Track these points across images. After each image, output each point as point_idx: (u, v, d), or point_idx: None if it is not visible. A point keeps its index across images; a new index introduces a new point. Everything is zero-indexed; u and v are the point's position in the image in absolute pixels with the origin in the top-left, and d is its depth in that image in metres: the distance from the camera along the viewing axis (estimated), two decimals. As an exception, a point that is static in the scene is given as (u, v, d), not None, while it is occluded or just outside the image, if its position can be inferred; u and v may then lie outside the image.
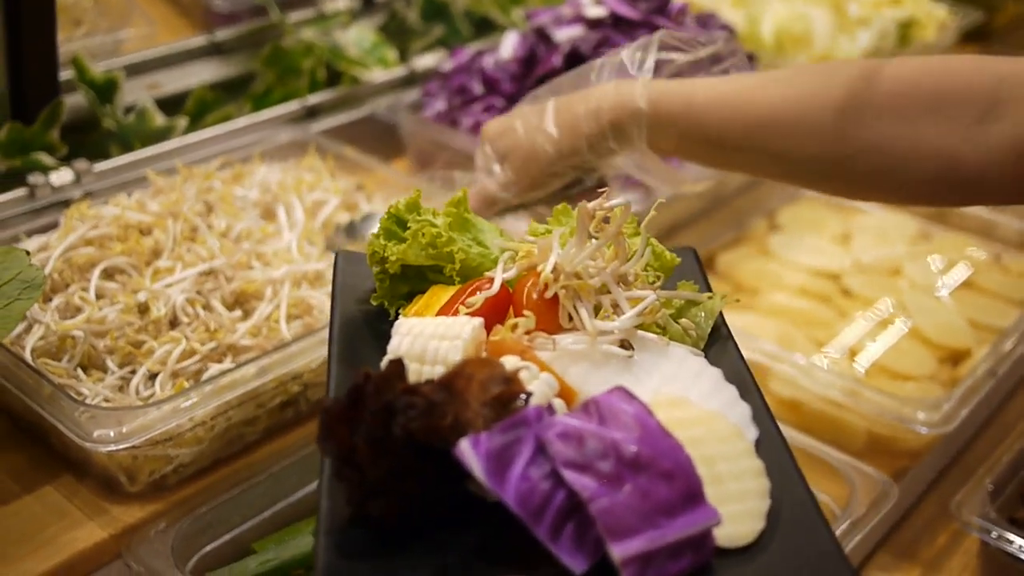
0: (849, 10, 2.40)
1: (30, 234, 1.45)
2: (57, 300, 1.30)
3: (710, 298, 1.01)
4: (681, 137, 1.17)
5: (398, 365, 0.77)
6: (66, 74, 1.67)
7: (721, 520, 0.76)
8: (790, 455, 0.86)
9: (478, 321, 0.90)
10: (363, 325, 1.01)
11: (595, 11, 1.87)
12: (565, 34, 1.86)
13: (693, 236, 1.75)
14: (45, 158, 1.54)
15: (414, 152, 1.92)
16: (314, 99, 1.89)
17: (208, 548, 1.18)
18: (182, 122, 1.75)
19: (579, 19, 1.88)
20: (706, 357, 0.95)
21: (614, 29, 1.86)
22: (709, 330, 0.99)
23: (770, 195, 1.95)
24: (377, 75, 1.99)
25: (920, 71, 1.08)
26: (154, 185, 1.52)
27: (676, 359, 0.92)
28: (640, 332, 0.92)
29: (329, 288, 1.37)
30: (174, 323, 1.31)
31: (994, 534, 1.23)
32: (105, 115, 1.71)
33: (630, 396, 0.80)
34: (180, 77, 1.92)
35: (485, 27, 2.22)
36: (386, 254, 1.01)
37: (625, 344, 0.91)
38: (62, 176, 1.52)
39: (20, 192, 1.49)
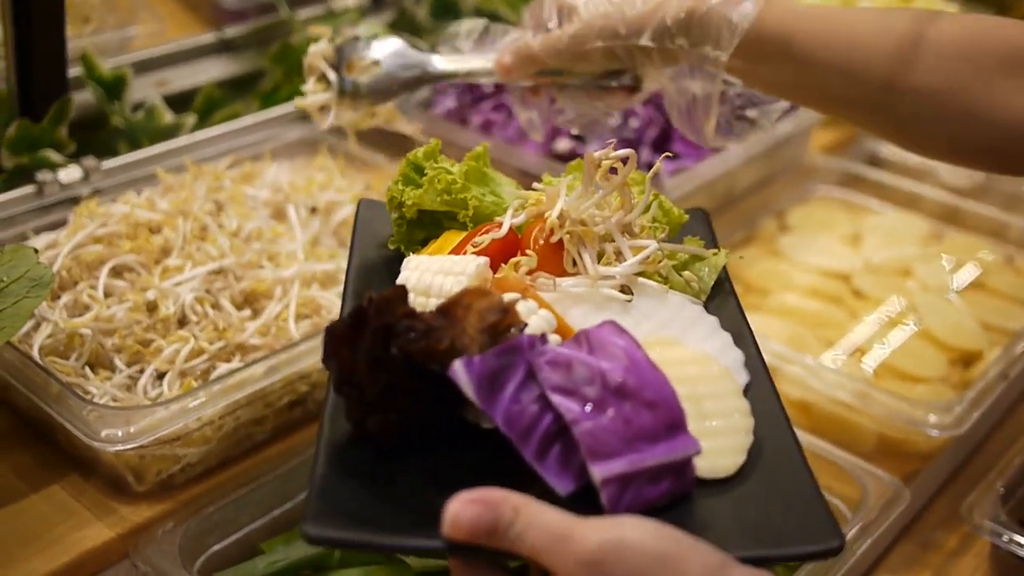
0: (860, 6, 2.39)
1: (38, 232, 1.45)
2: (65, 298, 1.29)
3: (715, 254, 1.03)
4: (766, 46, 1.14)
5: (400, 290, 0.80)
6: (74, 71, 1.66)
7: (701, 450, 0.79)
8: (778, 400, 0.89)
9: (483, 260, 0.93)
10: (380, 267, 1.05)
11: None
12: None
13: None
14: (53, 155, 1.54)
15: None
16: (323, 97, 1.88)
17: (216, 548, 1.17)
18: (191, 119, 1.75)
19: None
20: (707, 309, 0.98)
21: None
22: (711, 284, 1.01)
23: (780, 195, 1.94)
24: (386, 73, 1.98)
25: (982, 24, 1.08)
26: (163, 183, 1.52)
27: (674, 306, 0.95)
28: (641, 279, 0.95)
29: (340, 288, 1.37)
30: (183, 322, 1.30)
31: (1005, 537, 1.23)
32: (113, 112, 1.70)
33: (620, 330, 0.82)
34: (189, 74, 1.91)
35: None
36: (403, 199, 1.04)
37: (625, 289, 0.94)
38: (70, 173, 1.52)
39: (28, 189, 1.49)
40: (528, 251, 0.94)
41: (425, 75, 1.30)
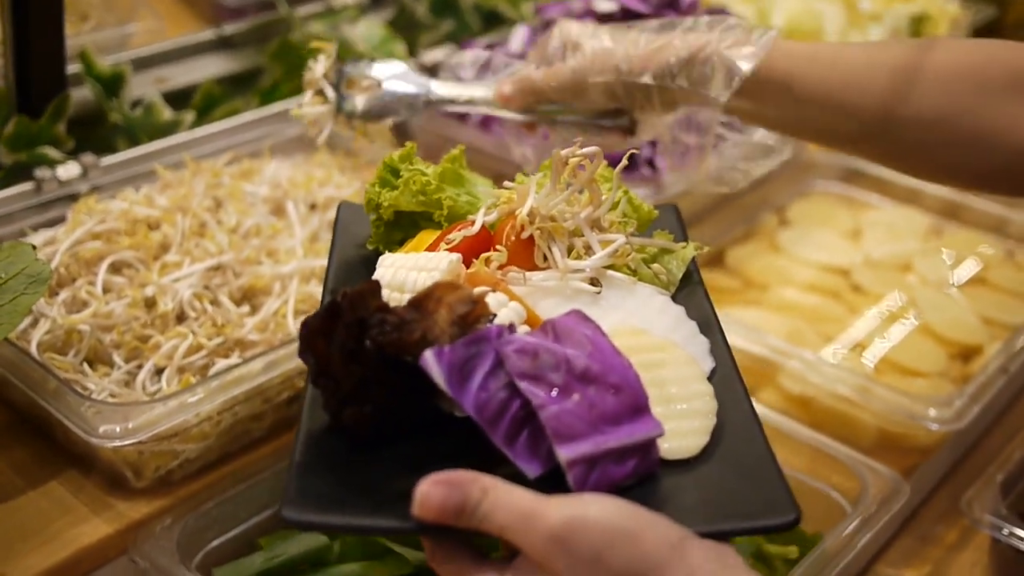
0: (860, 5, 2.39)
1: (37, 228, 1.45)
2: (64, 294, 1.29)
3: (684, 247, 1.05)
4: (769, 88, 1.15)
5: (373, 285, 0.82)
6: (73, 68, 1.66)
7: (664, 432, 0.81)
8: (742, 383, 0.92)
9: (456, 256, 0.95)
10: (359, 267, 1.08)
11: (605, 5, 1.87)
12: (574, 28, 1.85)
13: (702, 231, 1.74)
14: (52, 152, 1.54)
15: (423, 147, 1.91)
16: (322, 94, 1.88)
17: (214, 544, 1.17)
18: (189, 116, 1.75)
19: (589, 13, 1.87)
20: (675, 300, 1.00)
21: (624, 23, 1.85)
22: (680, 276, 1.03)
23: (780, 190, 1.94)
24: (385, 69, 1.98)
25: (977, 48, 1.09)
26: (162, 180, 1.52)
27: (642, 296, 0.97)
28: (610, 272, 0.98)
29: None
30: (181, 318, 1.30)
31: (1005, 531, 1.23)
32: (112, 109, 1.70)
33: (585, 318, 0.85)
34: (187, 71, 1.91)
35: (494, 21, 2.22)
36: (380, 201, 1.07)
37: (595, 282, 0.96)
38: (69, 170, 1.51)
39: (27, 186, 1.49)
40: (498, 247, 0.97)
41: (424, 99, 1.34)
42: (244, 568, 1.14)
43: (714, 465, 0.84)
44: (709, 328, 0.97)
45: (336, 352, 0.81)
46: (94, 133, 1.70)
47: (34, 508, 1.18)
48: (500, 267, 0.95)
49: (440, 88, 1.34)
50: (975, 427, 1.45)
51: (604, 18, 1.85)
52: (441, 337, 0.80)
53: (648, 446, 0.81)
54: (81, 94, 1.67)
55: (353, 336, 0.80)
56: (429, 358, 0.77)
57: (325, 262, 1.39)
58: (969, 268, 1.76)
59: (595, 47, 1.22)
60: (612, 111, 1.28)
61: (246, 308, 1.33)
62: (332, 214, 1.52)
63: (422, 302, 0.82)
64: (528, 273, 0.95)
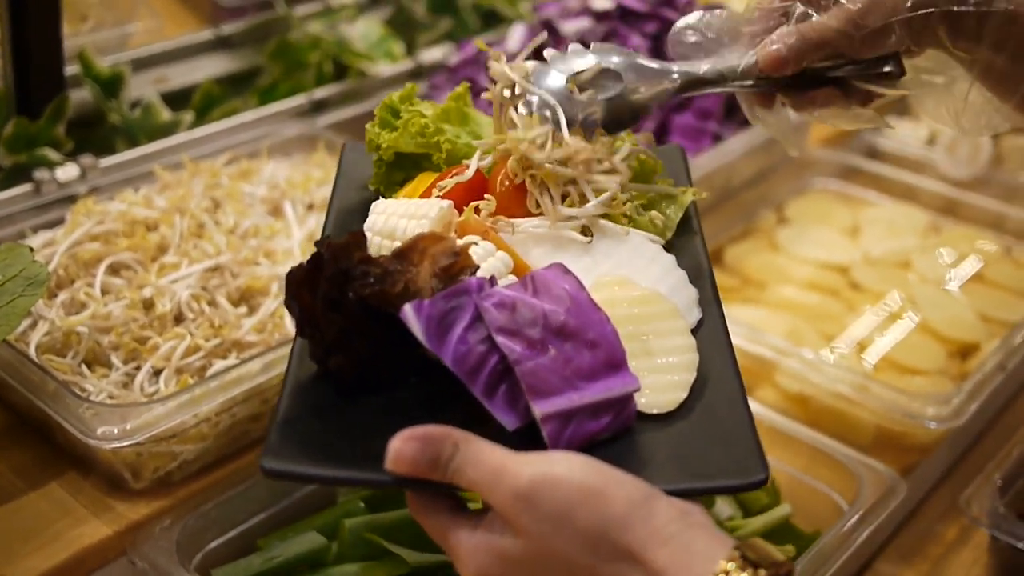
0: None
1: (35, 230, 1.45)
2: (62, 296, 1.30)
3: (683, 192, 1.03)
4: None
5: (358, 236, 0.83)
6: (72, 69, 1.67)
7: (641, 387, 0.82)
8: (727, 337, 0.91)
9: (447, 203, 0.95)
10: (359, 208, 1.06)
11: (602, 3, 1.87)
12: (572, 27, 1.85)
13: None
14: (51, 153, 1.54)
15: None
16: (321, 93, 1.88)
17: (213, 545, 1.17)
18: (188, 117, 1.75)
19: (586, 11, 1.87)
20: (671, 248, 0.99)
21: (621, 21, 1.86)
22: (677, 221, 1.02)
23: (778, 188, 1.94)
24: (384, 69, 1.98)
25: None
26: (161, 180, 1.52)
27: (632, 245, 0.97)
28: (602, 220, 0.97)
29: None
30: (179, 319, 1.30)
31: (1003, 529, 1.23)
32: (111, 110, 1.71)
33: (566, 272, 0.85)
34: (186, 71, 1.91)
35: (492, 20, 2.22)
36: (380, 142, 1.07)
37: (586, 231, 0.96)
38: (68, 171, 1.52)
39: (25, 188, 1.49)
40: (487, 196, 0.97)
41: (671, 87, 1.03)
42: (243, 569, 1.14)
43: (690, 421, 0.84)
44: (700, 278, 0.96)
45: (319, 303, 0.82)
46: (93, 134, 1.70)
47: (34, 510, 1.18)
48: (491, 214, 0.95)
49: (682, 67, 1.03)
50: (973, 425, 1.45)
51: (601, 16, 1.85)
52: (423, 289, 0.81)
53: (624, 401, 0.82)
54: (80, 95, 1.67)
55: (336, 287, 0.81)
56: (408, 311, 0.78)
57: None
58: (967, 265, 1.76)
59: None
60: (877, 59, 1.02)
61: (244, 309, 1.33)
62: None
63: (406, 253, 0.83)
64: (519, 220, 0.95)
